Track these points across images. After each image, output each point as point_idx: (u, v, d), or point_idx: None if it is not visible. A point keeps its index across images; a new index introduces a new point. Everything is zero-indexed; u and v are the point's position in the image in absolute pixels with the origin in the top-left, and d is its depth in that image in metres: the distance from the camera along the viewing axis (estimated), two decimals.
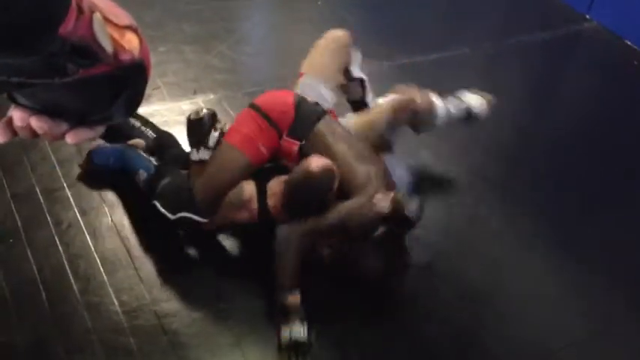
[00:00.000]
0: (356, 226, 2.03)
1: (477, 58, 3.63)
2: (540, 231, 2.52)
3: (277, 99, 2.24)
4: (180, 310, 1.97)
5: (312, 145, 2.15)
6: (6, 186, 2.26)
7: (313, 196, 2.04)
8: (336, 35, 2.47)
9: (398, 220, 2.07)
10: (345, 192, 2.08)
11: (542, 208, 2.64)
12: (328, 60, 2.42)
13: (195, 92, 2.85)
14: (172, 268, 2.09)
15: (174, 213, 2.08)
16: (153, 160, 2.28)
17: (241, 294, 2.06)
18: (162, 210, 2.10)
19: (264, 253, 2.10)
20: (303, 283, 1.99)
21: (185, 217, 2.08)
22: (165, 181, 2.15)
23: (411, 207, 2.06)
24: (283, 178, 2.12)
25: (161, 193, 2.12)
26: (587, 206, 2.72)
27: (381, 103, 2.45)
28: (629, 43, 3.98)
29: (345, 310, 2.05)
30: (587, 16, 4.20)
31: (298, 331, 1.90)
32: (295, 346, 1.90)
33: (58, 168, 2.35)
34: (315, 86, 2.33)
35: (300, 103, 2.23)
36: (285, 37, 3.35)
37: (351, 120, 2.44)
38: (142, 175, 2.22)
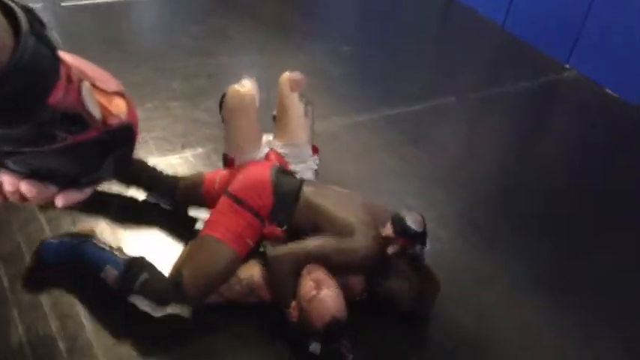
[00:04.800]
0: (334, 265, 2.04)
1: (463, 107, 3.69)
2: (531, 276, 2.51)
3: (255, 184, 2.21)
4: (164, 341, 1.93)
5: (297, 223, 2.17)
6: None
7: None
8: (242, 99, 2.47)
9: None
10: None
11: (532, 252, 2.64)
12: (254, 131, 2.49)
13: (183, 147, 2.87)
14: (160, 326, 2.05)
15: (160, 308, 2.00)
16: (115, 252, 2.11)
17: (232, 350, 2.02)
18: (145, 308, 1.99)
19: (255, 307, 2.08)
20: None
21: (172, 313, 2.01)
22: (144, 276, 2.02)
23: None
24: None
25: (142, 289, 1.99)
26: (575, 249, 2.72)
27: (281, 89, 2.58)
28: (608, 91, 4.07)
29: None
30: (567, 66, 4.31)
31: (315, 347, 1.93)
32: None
33: (46, 226, 2.33)
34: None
35: (278, 181, 2.22)
36: (270, 92, 3.39)
37: (271, 137, 2.57)
38: (111, 272, 2.03)
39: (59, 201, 0.59)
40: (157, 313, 2.00)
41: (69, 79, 0.51)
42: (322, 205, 2.18)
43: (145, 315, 2.00)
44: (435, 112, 3.57)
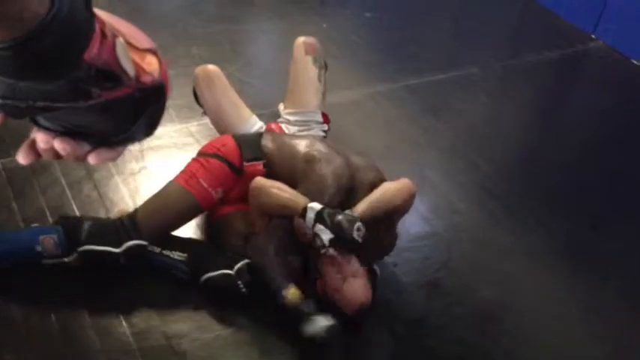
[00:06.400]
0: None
1: (486, 78, 3.64)
2: (551, 248, 2.50)
3: (213, 140, 2.28)
4: (189, 331, 1.96)
5: (274, 159, 2.16)
6: (16, 209, 2.26)
7: None
8: (208, 74, 2.47)
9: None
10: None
11: (552, 225, 2.62)
12: (231, 101, 2.47)
13: (203, 114, 2.86)
14: (181, 290, 2.08)
15: (119, 246, 1.97)
16: (33, 226, 2.05)
17: (251, 315, 2.04)
18: (104, 248, 1.95)
19: None
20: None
21: (132, 246, 1.97)
22: (88, 224, 1.99)
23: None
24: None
25: (91, 235, 1.96)
26: (597, 223, 2.70)
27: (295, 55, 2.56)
28: (635, 62, 3.98)
29: (354, 328, 2.03)
30: (593, 36, 4.21)
31: (312, 326, 1.88)
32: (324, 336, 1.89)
33: (67, 190, 2.36)
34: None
35: (237, 135, 2.27)
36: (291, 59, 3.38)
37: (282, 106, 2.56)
38: (48, 239, 1.94)
39: (92, 159, 0.60)
40: (118, 250, 1.96)
41: (103, 35, 0.52)
42: (284, 137, 2.26)
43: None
44: (457, 82, 3.53)
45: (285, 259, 2.00)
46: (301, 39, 2.56)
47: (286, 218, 2.01)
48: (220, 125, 2.47)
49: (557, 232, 2.59)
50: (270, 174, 2.14)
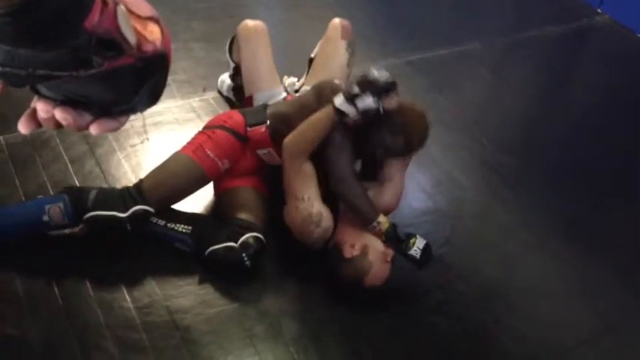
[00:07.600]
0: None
1: (489, 53, 3.61)
2: (553, 226, 2.50)
3: (220, 114, 2.29)
4: (192, 306, 1.97)
5: (276, 118, 2.18)
6: (18, 184, 2.26)
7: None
8: (256, 28, 2.48)
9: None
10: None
11: (555, 202, 2.62)
12: (269, 61, 2.48)
13: (205, 89, 2.85)
14: (185, 264, 2.09)
15: (125, 212, 1.96)
16: (38, 197, 2.03)
17: (254, 290, 2.06)
18: (110, 213, 1.95)
19: (278, 250, 2.11)
20: (312, 274, 1.99)
21: (138, 211, 1.98)
22: (94, 193, 1.99)
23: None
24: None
25: (97, 203, 1.96)
26: (599, 200, 2.70)
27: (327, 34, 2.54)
28: None
29: (355, 303, 2.05)
30: (599, 10, 4.17)
31: (411, 248, 2.04)
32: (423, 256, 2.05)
33: (69, 166, 2.36)
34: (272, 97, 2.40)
35: (242, 110, 2.28)
36: (295, 35, 3.35)
37: (302, 80, 2.56)
38: (55, 208, 1.94)
39: (94, 129, 0.59)
40: (124, 215, 1.97)
41: (104, 2, 0.51)
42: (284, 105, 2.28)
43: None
44: (460, 57, 3.50)
45: (363, 188, 2.05)
46: (337, 20, 2.54)
47: (327, 136, 2.01)
48: (250, 82, 2.47)
49: (558, 208, 2.59)
50: (273, 134, 2.15)
